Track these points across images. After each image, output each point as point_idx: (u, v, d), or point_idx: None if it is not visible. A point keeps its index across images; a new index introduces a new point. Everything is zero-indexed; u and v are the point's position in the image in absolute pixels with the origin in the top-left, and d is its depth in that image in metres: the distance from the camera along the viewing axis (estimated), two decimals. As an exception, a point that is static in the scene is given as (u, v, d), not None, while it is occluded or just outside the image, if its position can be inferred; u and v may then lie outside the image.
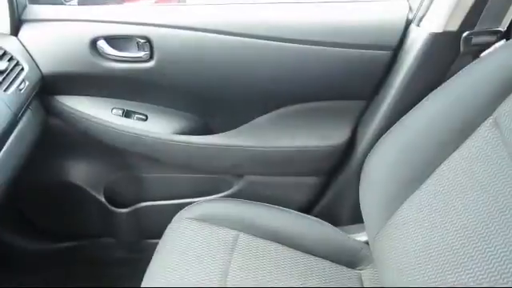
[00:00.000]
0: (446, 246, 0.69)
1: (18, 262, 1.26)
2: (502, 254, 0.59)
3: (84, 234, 1.28)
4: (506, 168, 0.67)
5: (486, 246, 0.62)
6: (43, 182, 1.16)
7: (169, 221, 1.02)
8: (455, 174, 0.78)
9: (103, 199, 1.18)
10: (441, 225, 0.73)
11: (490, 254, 0.60)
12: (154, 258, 0.96)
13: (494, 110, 0.76)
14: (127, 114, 1.07)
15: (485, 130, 0.76)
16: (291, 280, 0.93)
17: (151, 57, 0.98)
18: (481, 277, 0.59)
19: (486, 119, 0.77)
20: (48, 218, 1.25)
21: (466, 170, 0.76)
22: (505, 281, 0.57)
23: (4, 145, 0.86)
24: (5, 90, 0.85)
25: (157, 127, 1.07)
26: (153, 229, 1.13)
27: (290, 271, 0.95)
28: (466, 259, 0.63)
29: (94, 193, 1.17)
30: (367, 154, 0.98)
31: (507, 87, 0.75)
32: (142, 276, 0.92)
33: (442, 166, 0.81)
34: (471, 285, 0.59)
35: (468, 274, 0.61)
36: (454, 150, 0.80)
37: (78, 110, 1.04)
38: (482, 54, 0.90)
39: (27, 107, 0.94)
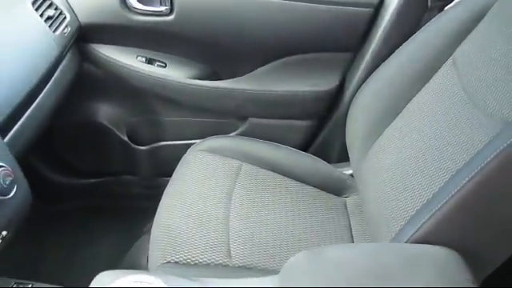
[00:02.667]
0: (412, 165, 0.85)
1: (50, 193, 1.45)
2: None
3: (108, 171, 1.47)
4: (458, 99, 0.84)
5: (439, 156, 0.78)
6: (74, 122, 1.34)
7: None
8: (420, 107, 0.96)
9: (126, 138, 1.37)
10: (410, 147, 0.90)
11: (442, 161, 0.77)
12: (170, 181, 1.13)
13: (453, 52, 0.94)
14: (150, 62, 1.26)
15: (445, 68, 0.94)
16: (285, 201, 1.09)
17: (171, 11, 1.16)
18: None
19: (446, 60, 0.94)
20: (77, 155, 1.44)
21: (429, 102, 0.94)
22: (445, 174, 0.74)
23: (50, 79, 1.04)
24: (53, 32, 1.04)
25: (174, 73, 1.26)
26: (167, 166, 1.29)
27: (284, 195, 1.11)
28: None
29: (118, 132, 1.36)
30: (352, 100, 1.16)
31: (463, 33, 0.93)
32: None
33: (411, 102, 0.99)
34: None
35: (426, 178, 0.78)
36: (421, 88, 0.98)
37: (108, 56, 1.24)
38: (446, 8, 1.07)
39: (68, 50, 1.13)
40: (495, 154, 0.63)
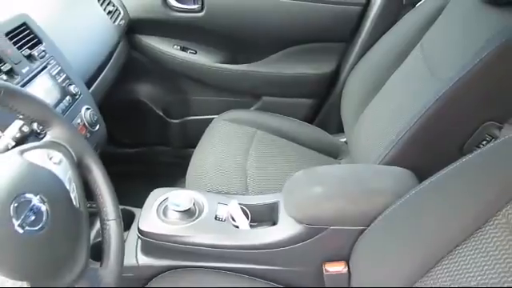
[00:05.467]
0: (383, 118, 1.13)
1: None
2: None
3: (144, 142, 1.77)
4: (420, 71, 1.12)
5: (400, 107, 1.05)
6: (119, 100, 1.64)
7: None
8: (395, 83, 1.23)
9: (161, 113, 1.68)
10: (384, 108, 1.18)
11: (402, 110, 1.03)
12: (199, 143, 1.41)
13: (421, 38, 1.22)
14: (183, 49, 1.58)
15: (414, 52, 1.22)
16: (291, 160, 1.37)
17: (202, 9, 1.47)
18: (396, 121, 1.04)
19: (416, 45, 1.22)
20: (119, 128, 1.71)
21: (401, 76, 1.22)
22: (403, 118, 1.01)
23: (110, 60, 1.34)
24: (113, 23, 1.35)
25: (203, 59, 1.59)
26: (194, 138, 1.53)
27: (290, 154, 1.36)
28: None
29: (155, 108, 1.67)
30: (346, 81, 1.45)
31: (428, 23, 1.21)
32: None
33: (389, 80, 1.26)
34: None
35: (392, 123, 1.05)
36: (397, 68, 1.26)
37: (150, 45, 1.55)
38: (417, 5, 1.36)
39: (121, 39, 1.44)
40: (433, 102, 0.93)
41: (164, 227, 0.90)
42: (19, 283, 0.49)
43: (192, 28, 1.52)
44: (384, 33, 1.36)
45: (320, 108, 1.62)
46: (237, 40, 1.54)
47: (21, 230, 0.51)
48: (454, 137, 0.96)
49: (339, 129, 1.53)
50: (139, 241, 0.94)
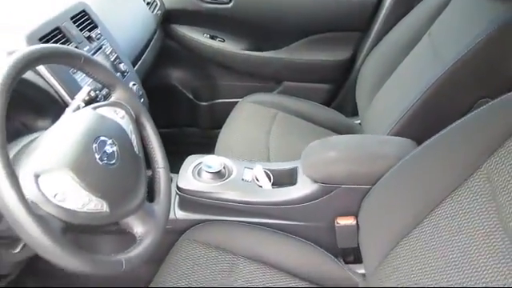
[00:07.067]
0: (393, 95, 1.26)
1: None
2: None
3: (174, 124, 1.93)
4: (427, 56, 1.24)
5: (409, 85, 1.20)
6: (154, 84, 1.79)
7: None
8: (404, 68, 1.35)
9: (191, 96, 1.84)
10: (394, 88, 1.31)
11: (410, 86, 1.18)
12: (226, 123, 1.56)
13: (430, 27, 1.34)
14: (212, 38, 1.75)
15: (424, 39, 1.34)
16: (308, 138, 1.46)
17: (230, 1, 1.62)
18: (403, 98, 1.18)
19: (425, 33, 1.35)
20: (152, 110, 1.89)
21: (410, 62, 1.35)
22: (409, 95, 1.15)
23: (149, 46, 1.51)
24: (152, 13, 1.51)
25: (230, 46, 1.75)
26: (221, 120, 1.67)
27: (306, 133, 1.48)
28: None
29: (186, 92, 1.83)
30: (361, 67, 1.59)
31: (437, 13, 1.32)
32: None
33: (399, 66, 1.37)
34: None
35: (399, 100, 1.18)
36: (407, 55, 1.38)
37: (183, 33, 1.72)
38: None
39: (157, 28, 1.60)
40: (434, 80, 1.06)
41: (198, 185, 1.05)
42: (100, 203, 0.65)
43: (221, 18, 1.68)
44: (396, 23, 1.49)
45: (337, 92, 1.77)
46: (261, 29, 1.70)
47: (100, 162, 0.67)
48: (452, 112, 1.08)
49: (354, 112, 1.66)
50: (177, 198, 1.10)
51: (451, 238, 0.69)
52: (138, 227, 0.73)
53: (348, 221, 1.02)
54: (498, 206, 0.66)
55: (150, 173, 0.84)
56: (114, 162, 0.69)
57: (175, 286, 0.94)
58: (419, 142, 1.05)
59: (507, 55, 1.03)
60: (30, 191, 0.59)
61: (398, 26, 1.49)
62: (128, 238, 0.74)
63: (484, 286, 0.60)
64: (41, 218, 0.56)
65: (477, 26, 1.06)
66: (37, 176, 0.61)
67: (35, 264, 1.10)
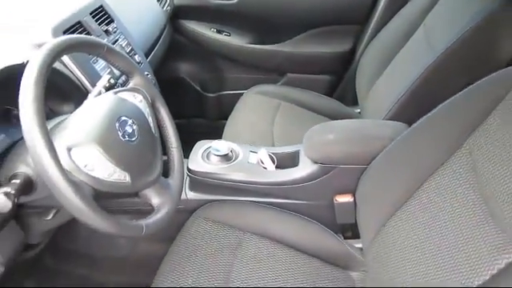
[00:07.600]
0: (388, 82, 1.34)
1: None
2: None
3: (182, 115, 2.01)
4: (420, 45, 1.32)
5: (403, 70, 1.28)
6: (163, 77, 1.88)
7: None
8: (401, 58, 1.44)
9: (199, 88, 1.93)
10: (389, 75, 1.40)
11: (404, 73, 1.26)
12: (233, 112, 1.64)
13: (424, 19, 1.41)
14: (219, 32, 1.84)
15: (419, 30, 1.42)
16: (309, 126, 1.55)
17: (235, -4, 1.71)
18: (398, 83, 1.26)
19: (420, 24, 1.42)
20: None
21: (407, 54, 1.43)
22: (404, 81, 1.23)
23: (159, 40, 1.59)
24: (162, 8, 1.60)
25: (235, 40, 1.84)
26: (227, 111, 1.76)
27: (308, 122, 1.49)
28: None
29: (194, 84, 1.92)
30: (360, 59, 1.67)
31: (430, 6, 1.40)
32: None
33: (396, 56, 1.46)
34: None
35: (394, 85, 1.27)
36: (403, 46, 1.46)
37: (191, 28, 1.81)
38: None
39: (167, 23, 1.69)
40: (426, 67, 1.14)
41: (207, 167, 1.13)
42: (123, 174, 0.74)
43: (227, 14, 1.77)
44: (394, 16, 1.57)
45: (338, 83, 1.85)
46: (265, 24, 1.79)
47: (122, 139, 0.76)
48: (442, 97, 1.16)
49: (354, 101, 1.74)
50: (188, 179, 1.19)
51: (438, 212, 0.77)
52: (155, 198, 0.82)
53: (346, 198, 1.10)
54: (477, 176, 0.73)
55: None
56: (134, 139, 0.78)
57: (187, 259, 1.02)
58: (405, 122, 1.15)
59: (493, 44, 1.11)
60: (64, 162, 0.67)
61: (395, 18, 1.56)
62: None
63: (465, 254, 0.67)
64: (75, 184, 0.64)
65: (465, 16, 1.14)
66: (69, 149, 0.70)
67: (56, 243, 1.20)
